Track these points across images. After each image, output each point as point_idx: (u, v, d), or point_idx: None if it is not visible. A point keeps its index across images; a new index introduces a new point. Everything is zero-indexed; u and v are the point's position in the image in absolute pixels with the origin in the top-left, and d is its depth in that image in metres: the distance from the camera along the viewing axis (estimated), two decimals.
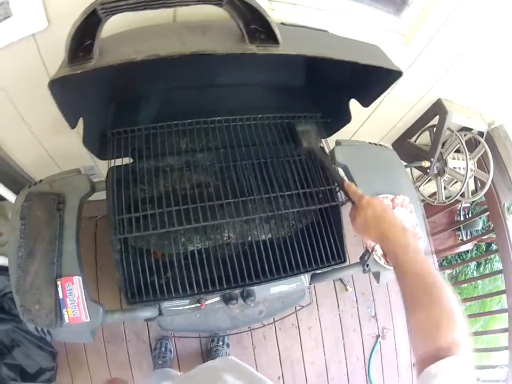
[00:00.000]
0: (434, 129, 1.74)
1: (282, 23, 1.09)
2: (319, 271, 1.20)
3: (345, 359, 2.24)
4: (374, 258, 1.21)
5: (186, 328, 1.32)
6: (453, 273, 2.86)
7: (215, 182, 1.16)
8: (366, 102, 1.16)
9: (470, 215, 2.62)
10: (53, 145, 1.69)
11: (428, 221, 2.54)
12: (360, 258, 1.24)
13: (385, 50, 1.08)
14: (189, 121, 1.15)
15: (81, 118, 1.03)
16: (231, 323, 1.32)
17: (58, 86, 0.80)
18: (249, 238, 1.17)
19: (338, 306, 2.30)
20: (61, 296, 1.02)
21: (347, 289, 2.31)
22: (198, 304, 1.17)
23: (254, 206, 1.10)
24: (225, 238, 1.18)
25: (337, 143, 1.30)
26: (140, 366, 2.08)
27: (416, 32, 1.33)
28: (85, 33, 0.74)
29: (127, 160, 1.17)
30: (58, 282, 1.03)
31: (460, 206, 2.59)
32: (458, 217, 2.61)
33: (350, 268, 1.25)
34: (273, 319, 1.61)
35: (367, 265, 1.20)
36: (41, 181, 1.21)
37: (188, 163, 1.17)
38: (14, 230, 1.11)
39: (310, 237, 1.20)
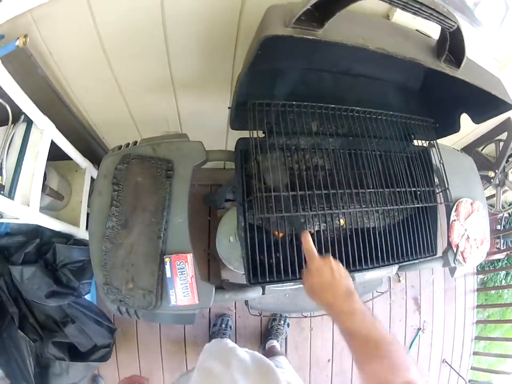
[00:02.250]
0: (501, 143, 1.87)
1: None
2: (413, 262, 1.28)
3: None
4: (457, 255, 1.33)
5: (274, 308, 1.32)
6: (484, 279, 2.99)
7: (339, 167, 1.15)
8: (476, 120, 1.27)
9: (509, 225, 2.76)
10: (138, 106, 1.60)
11: None
12: (442, 253, 1.37)
13: None
14: (322, 105, 1.15)
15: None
16: (315, 305, 1.36)
17: (265, 43, 0.76)
18: (358, 225, 1.21)
19: (390, 296, 2.41)
20: (169, 275, 0.94)
21: (400, 280, 2.45)
22: (301, 286, 1.11)
23: (370, 196, 1.15)
24: (338, 223, 1.20)
25: (431, 145, 1.37)
26: (194, 343, 2.05)
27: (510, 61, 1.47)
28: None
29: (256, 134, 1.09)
30: (167, 260, 0.94)
31: (501, 215, 2.72)
32: (499, 225, 2.74)
33: (435, 261, 1.35)
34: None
35: (456, 260, 1.32)
36: (136, 142, 1.11)
37: (317, 145, 1.15)
38: (101, 195, 1.01)
39: (408, 229, 1.27)
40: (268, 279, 1.06)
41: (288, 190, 1.05)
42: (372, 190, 1.16)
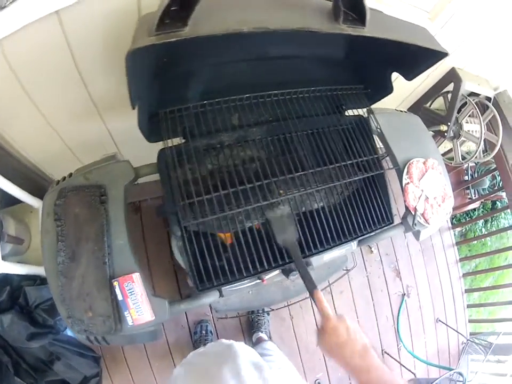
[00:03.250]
0: (449, 95, 1.83)
1: None
2: (369, 235, 1.25)
3: (376, 320, 2.34)
4: (417, 218, 1.29)
5: (241, 306, 1.32)
6: (463, 230, 3.00)
7: (270, 155, 1.14)
8: (409, 77, 1.21)
9: (476, 174, 2.76)
10: (70, 135, 1.57)
11: None
12: (401, 219, 1.32)
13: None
14: (240, 96, 1.11)
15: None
16: (283, 295, 1.35)
17: (133, 58, 0.74)
18: (303, 208, 1.17)
19: (365, 269, 2.39)
20: (120, 297, 0.94)
21: (372, 251, 2.41)
22: (259, 281, 1.16)
23: (307, 177, 1.10)
24: (279, 211, 1.14)
25: (370, 111, 1.33)
26: (182, 354, 2.04)
27: (440, 10, 1.43)
28: None
29: (177, 141, 1.10)
30: (115, 283, 0.94)
31: (467, 165, 2.72)
32: (466, 177, 2.74)
33: (395, 228, 1.31)
34: (329, 281, 1.62)
35: (415, 224, 1.28)
36: (71, 174, 1.10)
37: (241, 138, 1.13)
38: (48, 233, 1.01)
39: (357, 203, 1.24)
40: (216, 283, 1.05)
41: (216, 190, 1.03)
42: (309, 171, 1.11)
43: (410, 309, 2.43)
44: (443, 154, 2.31)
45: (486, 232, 3.02)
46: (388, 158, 1.36)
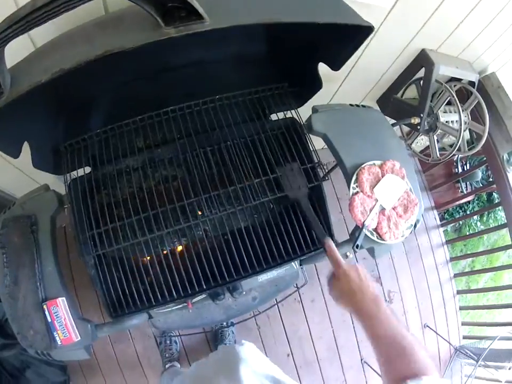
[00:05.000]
0: (421, 82, 1.61)
1: None
2: (305, 257, 1.12)
3: (354, 327, 2.19)
4: (366, 235, 1.12)
5: (181, 325, 1.29)
6: (456, 225, 2.77)
7: (184, 175, 1.08)
8: (335, 65, 1.04)
9: (468, 166, 2.52)
10: (23, 164, 1.57)
11: (425, 174, 2.45)
12: (350, 235, 1.16)
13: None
14: (140, 117, 1.07)
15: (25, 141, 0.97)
16: (226, 314, 1.29)
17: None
18: (228, 228, 1.09)
19: None
20: (49, 319, 1.01)
21: (347, 255, 2.19)
22: (184, 304, 1.14)
23: (227, 198, 1.02)
24: (200, 233, 1.12)
25: (314, 109, 1.17)
26: (148, 362, 2.10)
27: None
28: None
29: (85, 170, 1.11)
30: (44, 307, 1.02)
31: (456, 157, 2.48)
32: (456, 169, 2.50)
33: (340, 247, 1.16)
34: (276, 300, 1.58)
35: (357, 246, 1.12)
36: (13, 204, 1.17)
37: (149, 160, 1.10)
38: None
39: (292, 221, 1.11)
40: (132, 309, 1.06)
41: (127, 216, 1.02)
42: (227, 189, 1.01)
43: None
44: (423, 151, 2.08)
45: (481, 226, 2.79)
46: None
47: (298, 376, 2.09)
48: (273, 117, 1.21)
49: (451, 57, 1.64)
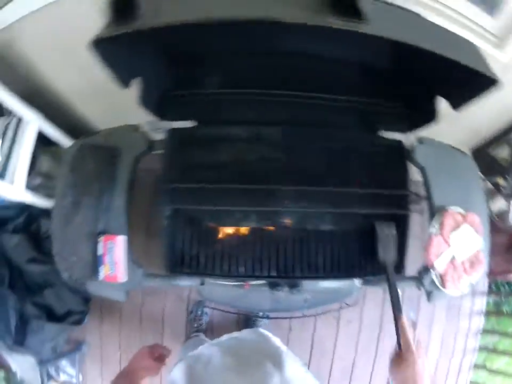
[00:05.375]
0: None
1: None
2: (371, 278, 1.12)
3: (373, 363, 2.14)
4: (432, 277, 1.11)
5: (226, 301, 1.31)
6: (498, 299, 2.62)
7: (281, 160, 1.07)
8: (456, 105, 1.01)
9: None
10: (119, 99, 1.56)
11: None
12: (417, 273, 1.14)
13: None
14: (259, 91, 1.06)
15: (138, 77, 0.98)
16: (272, 305, 1.29)
17: (104, 47, 0.76)
18: (308, 226, 1.09)
19: (383, 306, 2.15)
20: (99, 252, 1.01)
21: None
22: (242, 283, 1.13)
23: (319, 195, 1.01)
24: (282, 223, 1.10)
25: (419, 140, 1.16)
26: (171, 323, 2.10)
27: None
28: None
29: (189, 124, 1.09)
30: (100, 239, 1.02)
31: None
32: None
33: (405, 281, 1.16)
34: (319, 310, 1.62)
35: (423, 284, 1.11)
36: (97, 132, 1.20)
37: (254, 135, 1.08)
38: (62, 179, 1.12)
39: (370, 239, 1.09)
40: (189, 271, 1.06)
41: (218, 182, 1.01)
42: (322, 189, 1.01)
43: None
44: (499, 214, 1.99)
45: None
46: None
47: None
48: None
49: None
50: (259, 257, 1.03)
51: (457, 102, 1.01)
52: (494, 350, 2.40)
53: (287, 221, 1.10)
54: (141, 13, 0.71)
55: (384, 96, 1.12)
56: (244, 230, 1.08)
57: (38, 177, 1.88)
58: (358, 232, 1.11)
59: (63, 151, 1.96)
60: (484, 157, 1.67)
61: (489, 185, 1.90)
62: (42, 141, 1.71)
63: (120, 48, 0.84)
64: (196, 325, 1.99)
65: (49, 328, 2.09)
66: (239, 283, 1.14)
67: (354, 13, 0.70)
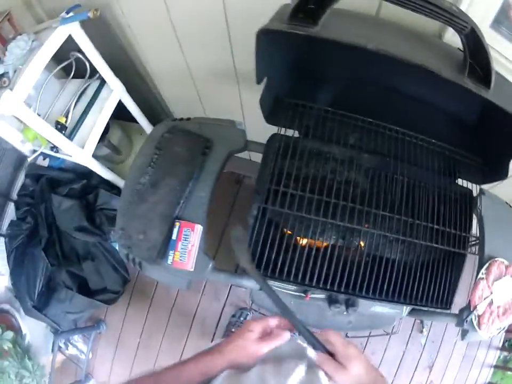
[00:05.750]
0: None
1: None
2: (423, 309, 1.20)
3: None
4: (472, 317, 1.21)
5: (274, 309, 1.30)
6: (508, 357, 2.66)
7: (369, 187, 1.12)
8: None
9: None
10: (206, 90, 1.69)
11: None
12: (459, 311, 1.24)
13: None
14: (364, 118, 1.13)
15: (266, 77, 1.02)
16: (318, 321, 1.32)
17: (265, 37, 0.81)
18: (378, 253, 1.15)
19: (406, 344, 2.24)
20: (174, 237, 1.00)
21: (422, 331, 2.28)
22: (303, 295, 1.15)
23: (392, 223, 1.09)
24: (356, 243, 1.15)
25: (481, 191, 1.27)
26: (201, 321, 2.06)
27: None
28: None
29: (291, 133, 1.15)
30: (177, 224, 1.01)
31: None
32: None
33: (448, 316, 1.25)
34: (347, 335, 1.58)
35: (466, 321, 1.20)
36: (189, 118, 1.20)
37: (350, 158, 1.13)
38: (144, 156, 1.11)
39: (427, 273, 1.19)
40: (267, 273, 1.06)
41: (308, 192, 1.05)
42: (402, 218, 1.10)
43: None
44: None
45: None
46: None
47: None
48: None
49: None
50: (329, 272, 1.06)
51: None
52: None
53: (361, 243, 1.16)
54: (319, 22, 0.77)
55: (468, 149, 1.22)
56: (319, 243, 1.12)
57: (106, 148, 1.86)
58: (415, 265, 1.18)
59: (135, 129, 2.06)
60: None
61: None
62: (115, 113, 1.68)
63: (277, 46, 0.91)
64: (233, 330, 1.95)
65: (77, 300, 2.01)
66: (300, 294, 1.15)
67: (484, 81, 0.82)
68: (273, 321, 0.78)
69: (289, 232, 1.13)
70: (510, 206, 1.39)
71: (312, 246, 1.11)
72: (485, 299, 1.24)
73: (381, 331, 1.49)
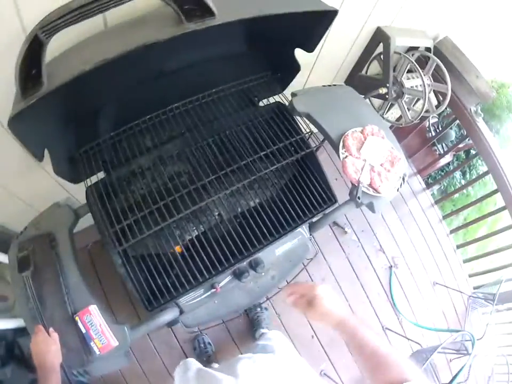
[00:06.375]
0: (382, 56, 1.77)
1: None
2: (314, 219, 1.22)
3: (367, 298, 2.27)
4: (363, 191, 1.24)
5: (209, 318, 1.31)
6: (441, 187, 2.91)
7: (191, 167, 1.14)
8: (310, 48, 1.16)
9: (440, 129, 2.69)
10: (22, 190, 1.59)
11: (402, 144, 2.58)
12: (349, 195, 1.27)
13: None
14: (147, 117, 1.15)
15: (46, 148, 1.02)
16: (250, 297, 1.34)
17: (17, 123, 0.80)
18: (239, 209, 1.16)
19: (343, 250, 2.30)
20: (83, 330, 1.00)
21: (346, 231, 2.32)
22: (213, 290, 1.17)
23: (233, 177, 1.10)
24: (216, 217, 1.17)
25: (293, 94, 1.31)
26: None
27: None
28: (31, 62, 0.73)
29: (101, 175, 1.15)
30: (77, 318, 1.01)
31: (428, 123, 2.65)
32: (429, 134, 2.67)
33: (343, 206, 1.27)
34: (287, 281, 1.61)
35: (359, 198, 1.22)
36: (26, 228, 1.19)
37: (158, 158, 1.15)
38: (18, 285, 1.08)
39: (296, 189, 1.21)
40: (164, 300, 1.09)
41: (146, 208, 1.06)
42: (232, 168, 1.11)
43: (402, 279, 2.35)
44: (400, 118, 2.24)
45: (465, 183, 2.94)
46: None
47: (327, 354, 2.12)
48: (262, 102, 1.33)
49: (405, 29, 1.82)
50: (213, 257, 1.08)
51: (310, 46, 1.15)
52: (464, 225, 2.66)
53: (220, 212, 1.18)
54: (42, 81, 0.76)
55: (255, 71, 1.25)
56: (190, 242, 1.13)
57: None
58: (281, 193, 1.21)
59: (2, 266, 1.86)
60: (359, 80, 1.88)
61: (378, 101, 2.15)
62: None
63: (34, 120, 0.89)
64: (205, 359, 1.99)
65: None
66: (210, 292, 1.18)
67: (206, 13, 0.80)
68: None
69: (161, 251, 1.13)
70: (328, 86, 1.46)
71: (187, 245, 1.13)
72: (363, 169, 1.28)
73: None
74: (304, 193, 1.22)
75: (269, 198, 1.22)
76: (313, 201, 1.21)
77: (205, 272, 1.07)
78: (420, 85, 1.83)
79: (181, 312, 1.16)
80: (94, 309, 1.02)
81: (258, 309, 2.10)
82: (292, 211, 1.17)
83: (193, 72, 1.17)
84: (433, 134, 2.64)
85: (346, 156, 1.27)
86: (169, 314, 1.12)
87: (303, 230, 1.30)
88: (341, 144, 1.28)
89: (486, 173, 2.31)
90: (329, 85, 1.49)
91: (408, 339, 2.15)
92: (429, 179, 2.81)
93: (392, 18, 1.73)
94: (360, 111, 1.44)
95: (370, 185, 1.25)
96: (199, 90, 1.18)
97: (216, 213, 1.18)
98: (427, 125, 2.65)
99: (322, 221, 1.28)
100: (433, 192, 2.78)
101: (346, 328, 0.79)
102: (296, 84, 1.45)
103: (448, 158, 2.72)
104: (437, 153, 2.72)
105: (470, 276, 2.55)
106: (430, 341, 2.22)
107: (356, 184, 1.23)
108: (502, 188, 2.08)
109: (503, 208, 2.17)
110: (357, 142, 1.30)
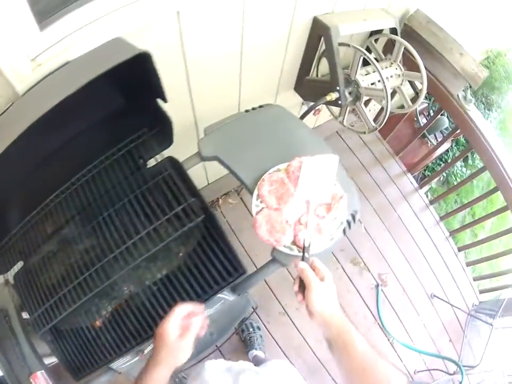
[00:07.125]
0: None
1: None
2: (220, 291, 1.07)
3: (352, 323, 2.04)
4: (284, 252, 1.00)
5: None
6: (441, 178, 2.53)
7: (95, 242, 1.09)
8: (163, 96, 0.92)
9: (429, 117, 2.28)
10: None
11: (391, 137, 2.25)
12: (271, 254, 1.05)
13: None
14: (39, 207, 1.12)
15: None
16: (196, 350, 1.24)
17: None
18: (147, 282, 1.10)
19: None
20: None
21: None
22: (137, 358, 1.18)
23: (132, 252, 1.01)
24: (126, 291, 1.13)
25: (205, 132, 1.13)
26: None
27: None
28: None
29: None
30: (31, 380, 1.12)
31: (415, 111, 2.27)
32: (418, 124, 2.28)
33: (266, 268, 1.09)
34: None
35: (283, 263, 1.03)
36: None
37: (64, 239, 1.14)
38: None
39: (200, 259, 1.07)
40: (92, 369, 1.11)
41: (60, 289, 1.08)
42: (135, 238, 1.02)
43: (391, 297, 2.09)
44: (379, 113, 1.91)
45: (467, 171, 2.54)
46: None
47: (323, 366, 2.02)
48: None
49: (352, 12, 1.48)
50: (133, 326, 1.08)
51: (160, 93, 0.92)
52: (465, 226, 2.34)
53: (129, 287, 1.12)
54: None
55: (131, 131, 1.10)
56: (109, 316, 1.13)
57: None
58: (188, 262, 1.10)
59: None
60: (306, 86, 1.58)
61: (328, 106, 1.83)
62: None
63: None
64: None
65: None
66: (137, 358, 1.18)
67: None
68: (182, 311, 0.83)
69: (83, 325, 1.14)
70: (247, 111, 1.21)
71: (109, 318, 1.13)
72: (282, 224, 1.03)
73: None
74: (210, 262, 1.06)
75: (176, 267, 1.10)
76: (219, 272, 1.06)
77: (126, 342, 1.08)
78: (378, 81, 1.50)
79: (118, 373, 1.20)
80: (40, 374, 1.12)
81: (251, 329, 2.01)
82: (200, 282, 1.06)
83: (77, 146, 1.05)
84: (425, 121, 2.25)
85: (261, 209, 1.03)
86: (104, 377, 1.18)
87: (223, 295, 1.16)
88: (255, 193, 1.04)
89: (482, 170, 1.95)
90: (254, 108, 1.24)
91: (401, 360, 1.94)
92: (426, 171, 2.45)
93: (333, 3, 1.39)
94: (289, 137, 1.20)
95: (294, 243, 1.01)
96: (84, 163, 1.09)
97: (125, 288, 1.12)
98: (414, 114, 2.27)
99: (243, 284, 1.14)
100: (432, 185, 2.43)
101: (334, 326, 0.81)
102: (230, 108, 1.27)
103: (446, 145, 2.33)
104: (429, 144, 2.33)
105: (475, 279, 2.25)
106: (427, 360, 2.02)
107: (278, 247, 1.00)
108: (502, 186, 1.74)
109: (504, 209, 1.83)
110: (278, 186, 1.07)
